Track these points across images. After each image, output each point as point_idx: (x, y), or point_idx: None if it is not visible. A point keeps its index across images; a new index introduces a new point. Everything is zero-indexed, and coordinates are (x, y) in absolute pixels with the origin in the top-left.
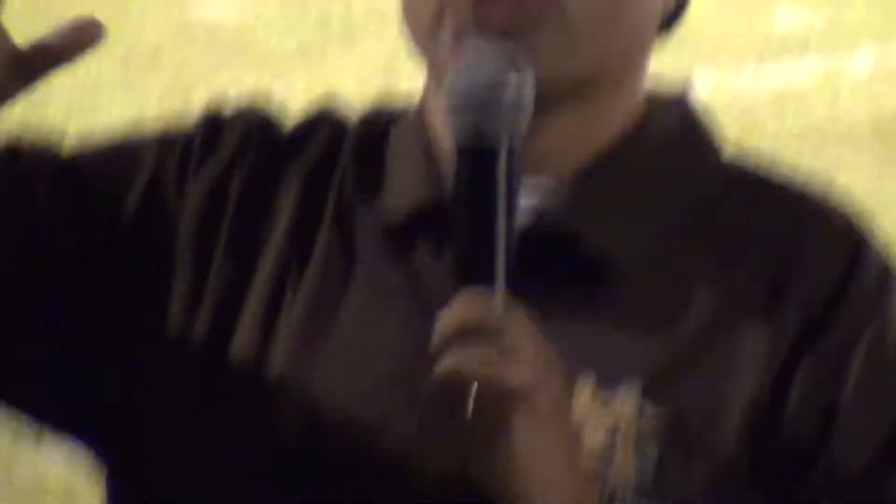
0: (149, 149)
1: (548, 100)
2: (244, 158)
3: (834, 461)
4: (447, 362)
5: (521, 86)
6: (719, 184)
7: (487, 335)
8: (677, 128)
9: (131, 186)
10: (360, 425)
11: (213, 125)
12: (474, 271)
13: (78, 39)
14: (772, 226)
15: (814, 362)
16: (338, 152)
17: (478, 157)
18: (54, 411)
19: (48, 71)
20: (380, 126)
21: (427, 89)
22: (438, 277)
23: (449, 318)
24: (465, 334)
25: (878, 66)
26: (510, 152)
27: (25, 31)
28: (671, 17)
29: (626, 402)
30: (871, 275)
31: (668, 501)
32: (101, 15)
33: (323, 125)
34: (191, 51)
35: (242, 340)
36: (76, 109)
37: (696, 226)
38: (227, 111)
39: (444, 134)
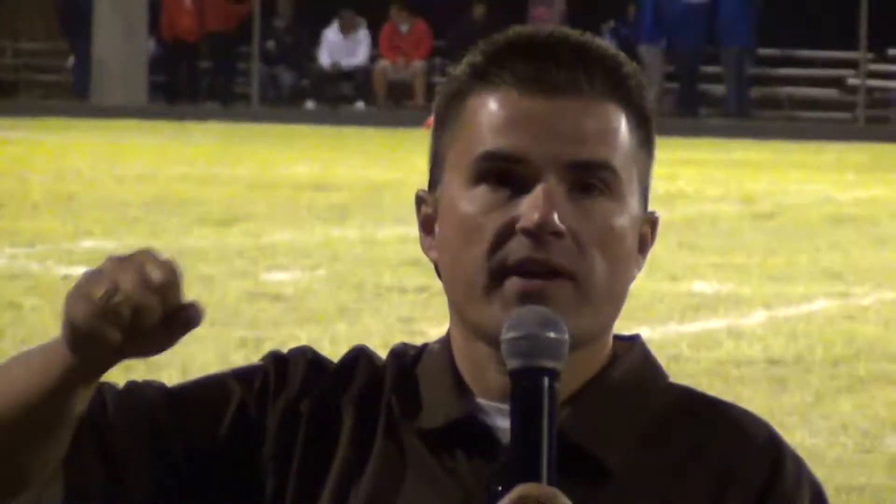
0: (234, 383)
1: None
2: (308, 389)
3: None
4: None
5: (560, 326)
6: (669, 403)
7: None
8: (638, 362)
9: (225, 413)
10: None
11: (281, 363)
12: (526, 468)
13: (197, 314)
14: (712, 437)
15: None
16: (380, 382)
17: (531, 377)
18: None
19: (181, 334)
20: (407, 361)
21: (454, 334)
22: (473, 475)
23: (510, 498)
24: None
25: (767, 323)
26: (553, 377)
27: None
28: None
29: None
30: (790, 473)
31: None
32: (193, 284)
33: (360, 363)
34: (260, 310)
35: None
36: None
37: (654, 435)
38: (287, 352)
39: (466, 365)
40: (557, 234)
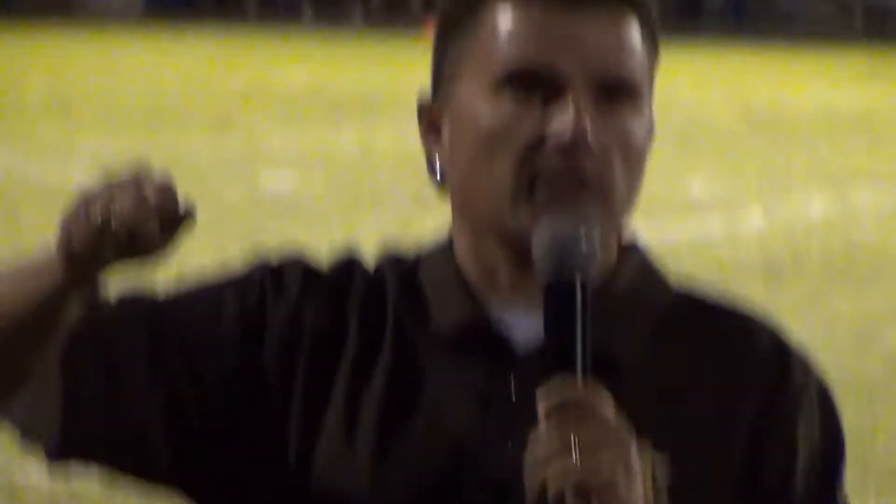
0: (228, 294)
1: None
2: (306, 299)
3: (793, 502)
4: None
5: (592, 239)
6: (674, 304)
7: (579, 406)
8: (642, 265)
9: (220, 324)
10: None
11: (275, 273)
12: (560, 365)
13: (191, 217)
14: (720, 337)
15: (772, 437)
16: (380, 289)
17: (565, 287)
18: (159, 480)
19: (176, 239)
20: (406, 266)
21: (461, 238)
22: (488, 380)
23: (548, 392)
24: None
25: (765, 227)
26: (584, 286)
27: None
28: None
29: (643, 467)
30: (797, 370)
31: None
32: (189, 187)
33: (355, 269)
34: (257, 215)
35: (328, 440)
36: (169, 260)
37: (663, 334)
38: (278, 259)
39: (476, 268)
40: (589, 146)
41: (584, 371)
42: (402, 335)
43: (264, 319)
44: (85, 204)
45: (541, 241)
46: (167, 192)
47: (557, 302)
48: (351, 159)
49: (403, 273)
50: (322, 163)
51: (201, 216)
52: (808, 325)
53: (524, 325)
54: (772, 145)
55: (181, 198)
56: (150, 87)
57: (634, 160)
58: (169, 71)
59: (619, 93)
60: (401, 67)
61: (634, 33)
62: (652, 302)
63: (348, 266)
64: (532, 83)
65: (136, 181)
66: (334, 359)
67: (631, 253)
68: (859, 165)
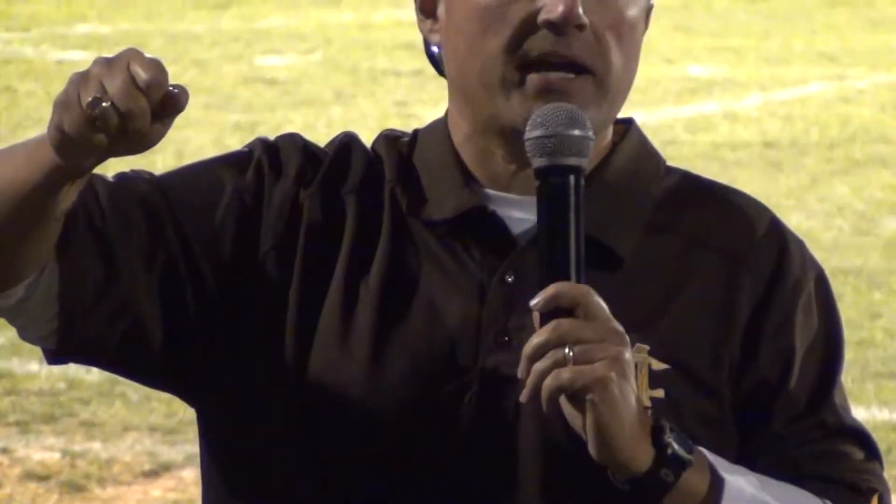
0: (225, 173)
1: None
2: (304, 179)
3: (790, 392)
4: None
5: (586, 124)
6: (671, 187)
7: (572, 303)
8: (637, 148)
9: (219, 202)
10: (425, 398)
11: (272, 151)
12: (555, 266)
13: (183, 97)
14: (717, 221)
15: (770, 326)
16: (377, 171)
17: (559, 175)
18: (160, 377)
19: (169, 121)
20: (403, 149)
21: (457, 121)
22: (486, 266)
23: (544, 296)
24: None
25: (762, 106)
26: (577, 176)
27: None
28: None
29: (639, 356)
30: (795, 259)
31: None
32: (187, 68)
33: (354, 150)
34: (255, 94)
35: (325, 331)
36: (167, 141)
37: (659, 220)
38: (275, 139)
39: (472, 154)
40: (580, 26)
41: (578, 266)
42: (398, 222)
43: (261, 202)
44: (76, 86)
45: (533, 129)
46: (158, 73)
47: (550, 192)
48: (349, 38)
49: (400, 156)
50: (320, 42)
51: (200, 96)
52: (807, 211)
53: (521, 213)
54: (770, 23)
55: (171, 79)
56: None
57: (629, 41)
58: None
59: None
60: None
61: None
62: (648, 186)
63: (346, 147)
64: None
65: (127, 62)
66: (331, 247)
67: (626, 135)
68: (858, 45)
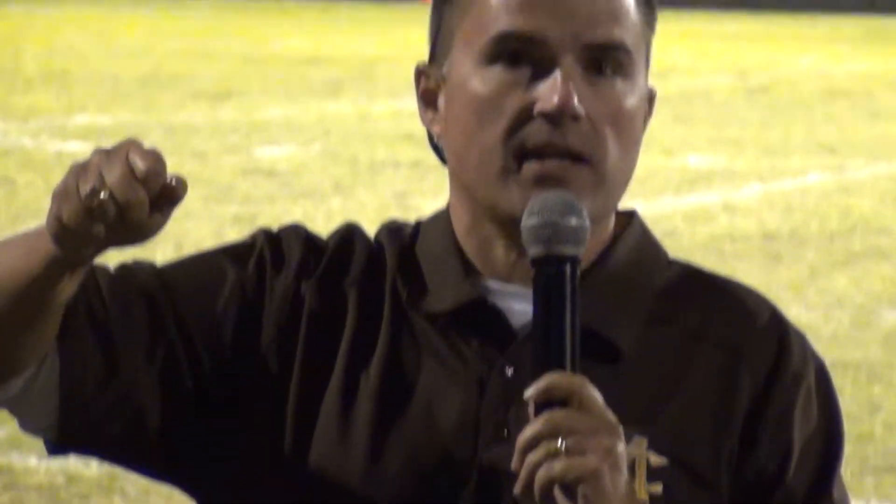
0: (227, 264)
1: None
2: (306, 270)
3: (788, 485)
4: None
5: (582, 213)
6: (672, 280)
7: (567, 395)
8: (639, 240)
9: (220, 294)
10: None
11: (275, 242)
12: (550, 356)
13: (181, 188)
14: (717, 315)
15: (769, 418)
16: (380, 262)
17: (554, 264)
18: (157, 465)
19: (168, 211)
20: (405, 240)
21: (458, 212)
22: (486, 359)
23: (538, 387)
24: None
25: (762, 197)
26: (575, 263)
27: None
28: None
29: (638, 450)
30: (796, 351)
31: None
32: (186, 159)
33: (356, 241)
34: (254, 186)
35: (324, 423)
36: (166, 233)
37: (660, 313)
38: (277, 230)
39: (473, 245)
40: (576, 117)
41: (573, 356)
42: (399, 314)
43: (263, 293)
44: (75, 177)
45: (529, 218)
46: (156, 164)
47: (545, 281)
48: (348, 130)
49: (402, 247)
50: (320, 133)
51: (199, 188)
52: (806, 303)
53: (521, 305)
54: (770, 114)
55: (170, 170)
56: (147, 56)
57: (627, 131)
58: (166, 40)
59: (610, 61)
60: (399, 37)
61: (628, 1)
62: (649, 278)
63: (348, 238)
64: (521, 53)
65: (126, 153)
66: (332, 339)
67: (628, 226)
68: (857, 136)
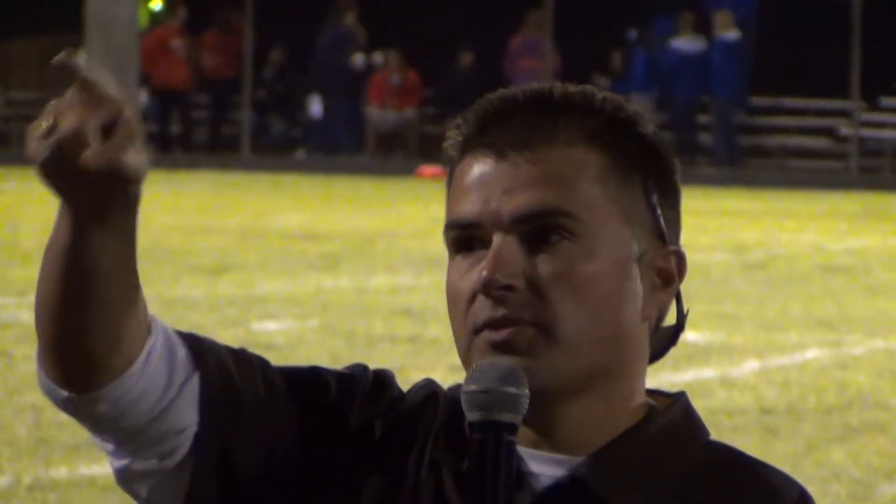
0: (332, 380)
1: (556, 395)
2: (389, 412)
3: None
4: None
5: (521, 386)
6: (704, 461)
7: None
8: (678, 418)
9: (320, 403)
10: None
11: (377, 381)
12: None
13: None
14: (744, 493)
15: None
16: (436, 413)
17: (490, 430)
18: None
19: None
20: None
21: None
22: None
23: None
24: None
25: (759, 372)
26: (511, 430)
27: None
28: (673, 332)
29: None
30: None
31: None
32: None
33: (430, 398)
34: None
35: None
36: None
37: (686, 491)
38: (374, 369)
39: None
40: (509, 287)
41: None
42: (435, 467)
43: (349, 413)
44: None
45: (468, 384)
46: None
47: (480, 446)
48: (346, 304)
49: (455, 405)
50: (317, 307)
51: None
52: (803, 476)
53: (547, 468)
54: (767, 290)
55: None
56: (145, 230)
57: (585, 291)
58: (164, 215)
59: (552, 226)
60: (396, 212)
61: (579, 165)
62: (681, 456)
63: (423, 390)
64: (470, 239)
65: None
66: (391, 477)
67: (670, 404)
68: (854, 311)
